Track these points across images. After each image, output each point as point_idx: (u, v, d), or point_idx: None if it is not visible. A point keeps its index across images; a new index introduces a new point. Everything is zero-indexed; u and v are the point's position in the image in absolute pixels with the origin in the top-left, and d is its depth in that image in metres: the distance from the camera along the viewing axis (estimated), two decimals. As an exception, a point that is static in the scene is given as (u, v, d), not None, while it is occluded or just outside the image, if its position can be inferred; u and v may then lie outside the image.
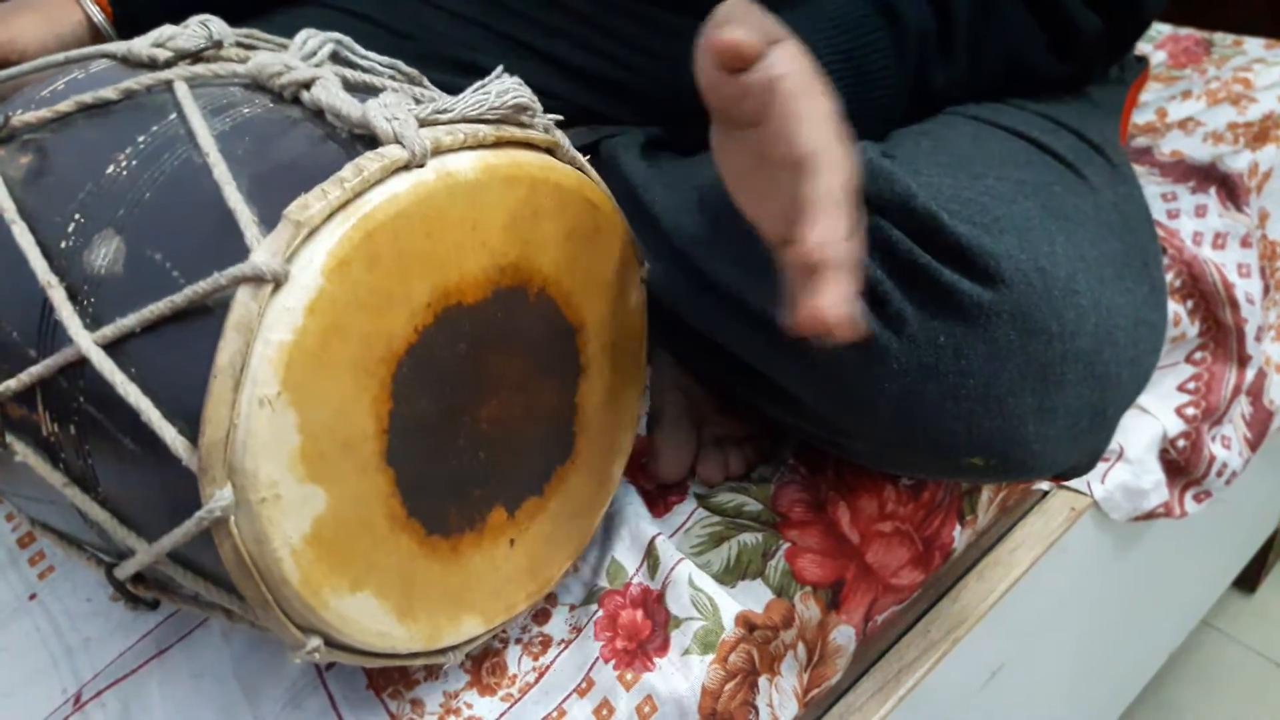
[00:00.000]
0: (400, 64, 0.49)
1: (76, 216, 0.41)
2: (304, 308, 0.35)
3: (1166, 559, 0.81)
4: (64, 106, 0.45)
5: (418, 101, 0.40)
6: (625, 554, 0.52)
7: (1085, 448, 0.45)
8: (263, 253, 0.35)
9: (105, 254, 0.40)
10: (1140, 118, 0.81)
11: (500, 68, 0.44)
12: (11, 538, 0.61)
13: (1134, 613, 0.83)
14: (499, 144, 0.42)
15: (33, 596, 0.58)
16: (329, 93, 0.41)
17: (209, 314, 0.36)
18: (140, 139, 0.42)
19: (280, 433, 0.35)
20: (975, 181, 0.44)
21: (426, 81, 0.49)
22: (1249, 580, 1.13)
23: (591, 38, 0.68)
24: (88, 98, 0.45)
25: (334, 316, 0.36)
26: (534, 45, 0.69)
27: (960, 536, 0.57)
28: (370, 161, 0.37)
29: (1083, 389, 0.42)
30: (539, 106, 0.44)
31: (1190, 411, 0.68)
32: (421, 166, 0.38)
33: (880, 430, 0.44)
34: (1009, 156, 0.47)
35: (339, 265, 0.36)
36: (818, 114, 0.35)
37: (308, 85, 0.42)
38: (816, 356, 0.44)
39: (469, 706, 0.48)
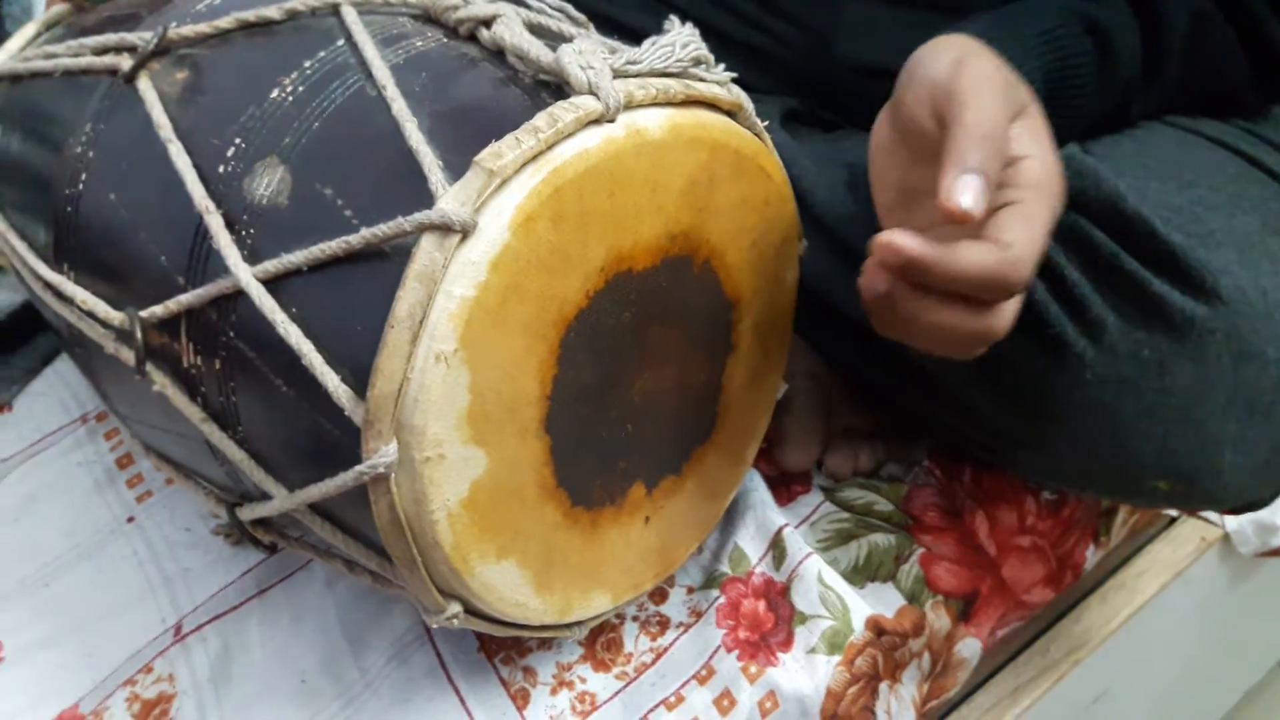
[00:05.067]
0: (569, 7, 0.46)
1: (237, 141, 0.39)
2: (488, 262, 0.33)
3: (1265, 597, 0.78)
4: (224, 23, 0.43)
5: (610, 51, 0.38)
6: (749, 541, 0.50)
7: (1273, 484, 0.42)
8: (451, 200, 0.33)
9: (268, 184, 0.38)
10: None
11: (673, 19, 0.41)
12: (110, 457, 0.61)
13: (1226, 647, 0.80)
14: (686, 102, 0.39)
15: (130, 519, 0.57)
16: (513, 33, 0.38)
17: (386, 259, 0.34)
18: (307, 64, 0.40)
19: (452, 391, 0.33)
20: (1187, 190, 0.41)
21: (593, 28, 0.46)
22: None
23: (738, 2, 0.65)
24: (249, 15, 0.43)
25: (515, 274, 0.34)
26: (676, 4, 0.66)
27: (1092, 557, 0.55)
28: (565, 112, 0.35)
29: None
30: (712, 59, 0.41)
31: (1332, 447, 0.64)
32: (612, 121, 0.36)
33: (1062, 443, 0.41)
34: (1218, 167, 0.43)
35: (526, 220, 0.34)
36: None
37: (488, 23, 0.40)
38: (1001, 358, 0.41)
39: (583, 681, 0.47)
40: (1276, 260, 0.39)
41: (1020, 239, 0.33)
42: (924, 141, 0.36)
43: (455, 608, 0.38)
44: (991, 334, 0.34)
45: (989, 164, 0.33)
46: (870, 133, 0.41)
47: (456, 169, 0.34)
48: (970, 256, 0.32)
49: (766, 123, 0.43)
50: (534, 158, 0.34)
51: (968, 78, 0.34)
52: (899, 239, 0.32)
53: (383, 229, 0.33)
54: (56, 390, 0.65)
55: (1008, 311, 0.34)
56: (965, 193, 0.32)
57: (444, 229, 0.33)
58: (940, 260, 0.32)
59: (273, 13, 0.43)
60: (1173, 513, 0.63)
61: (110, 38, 0.45)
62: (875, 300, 0.35)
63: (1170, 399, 0.38)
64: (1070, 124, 0.43)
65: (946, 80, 0.35)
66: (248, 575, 0.53)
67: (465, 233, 0.33)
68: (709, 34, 0.69)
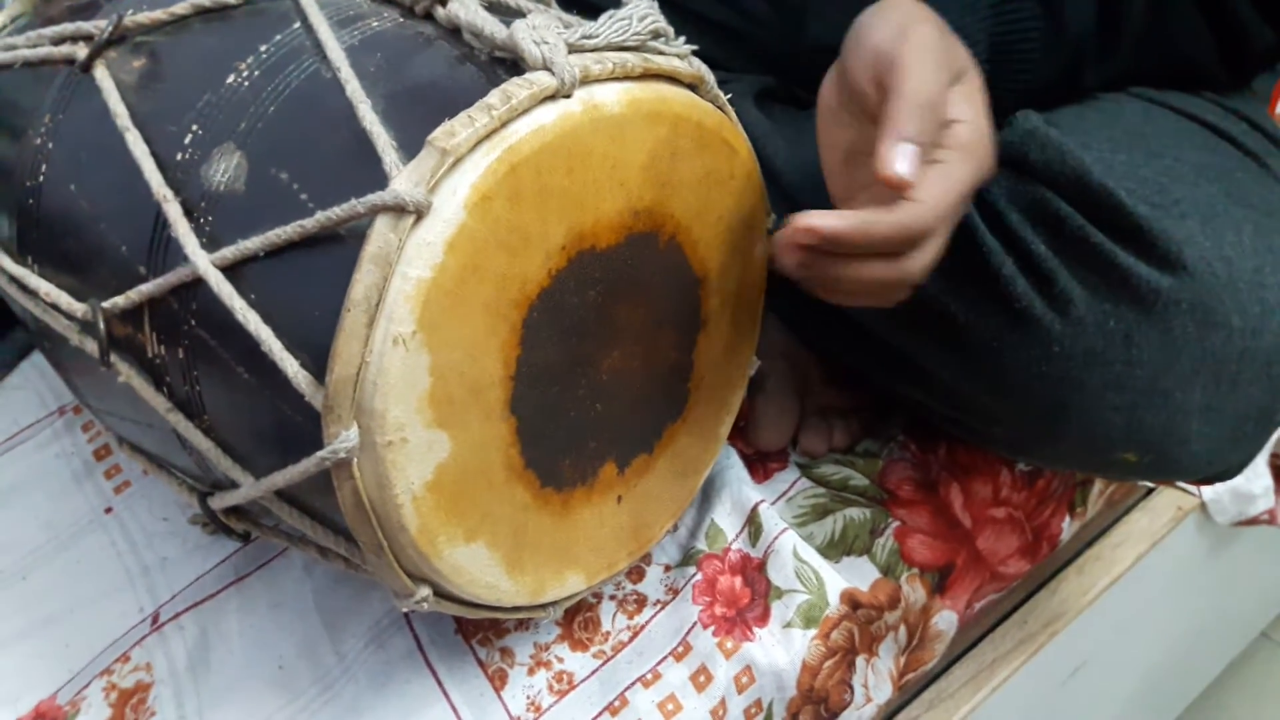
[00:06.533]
0: (530, -16, 0.46)
1: (194, 128, 0.39)
2: (444, 243, 0.33)
3: (1246, 567, 0.79)
4: (179, 9, 0.42)
5: (566, 25, 0.37)
6: (725, 518, 0.50)
7: (1241, 452, 0.42)
8: (404, 181, 0.33)
9: (225, 169, 0.38)
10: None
11: None
12: (88, 449, 0.60)
13: (1207, 617, 0.80)
14: (645, 76, 0.38)
15: (109, 510, 0.57)
16: (468, 10, 0.38)
17: (341, 243, 0.34)
18: (262, 48, 0.40)
19: (412, 374, 0.33)
20: (1153, 160, 0.41)
21: (554, 3, 0.46)
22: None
23: None
24: (205, 0, 0.42)
25: (473, 254, 0.34)
26: None
27: (1068, 528, 0.55)
28: (518, 89, 0.34)
29: (1254, 390, 0.39)
30: (672, 31, 0.41)
31: (1309, 415, 0.64)
32: (568, 97, 0.36)
33: (1030, 416, 0.41)
34: (1185, 137, 0.43)
35: (482, 199, 0.33)
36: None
37: (443, 1, 0.39)
38: (968, 333, 0.41)
39: (560, 660, 0.47)
40: (1240, 229, 0.39)
41: (932, 195, 0.35)
42: (865, 105, 0.37)
43: (425, 591, 0.38)
44: (909, 278, 0.36)
45: (924, 133, 0.34)
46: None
47: (411, 149, 0.34)
48: (880, 220, 0.34)
49: (729, 96, 0.43)
50: (488, 135, 0.34)
51: (909, 46, 0.35)
52: (814, 220, 0.35)
53: (336, 212, 0.33)
54: (33, 383, 0.64)
55: (922, 255, 0.36)
56: (900, 160, 0.34)
57: (398, 210, 0.32)
58: (851, 230, 0.35)
59: (229, -4, 0.42)
60: (1147, 484, 0.63)
61: (67, 27, 0.45)
62: (798, 271, 0.37)
63: (1137, 370, 0.38)
64: (1015, 89, 0.43)
65: (890, 48, 0.36)
66: (225, 563, 0.53)
67: (419, 213, 0.33)
68: (682, 13, 0.68)
